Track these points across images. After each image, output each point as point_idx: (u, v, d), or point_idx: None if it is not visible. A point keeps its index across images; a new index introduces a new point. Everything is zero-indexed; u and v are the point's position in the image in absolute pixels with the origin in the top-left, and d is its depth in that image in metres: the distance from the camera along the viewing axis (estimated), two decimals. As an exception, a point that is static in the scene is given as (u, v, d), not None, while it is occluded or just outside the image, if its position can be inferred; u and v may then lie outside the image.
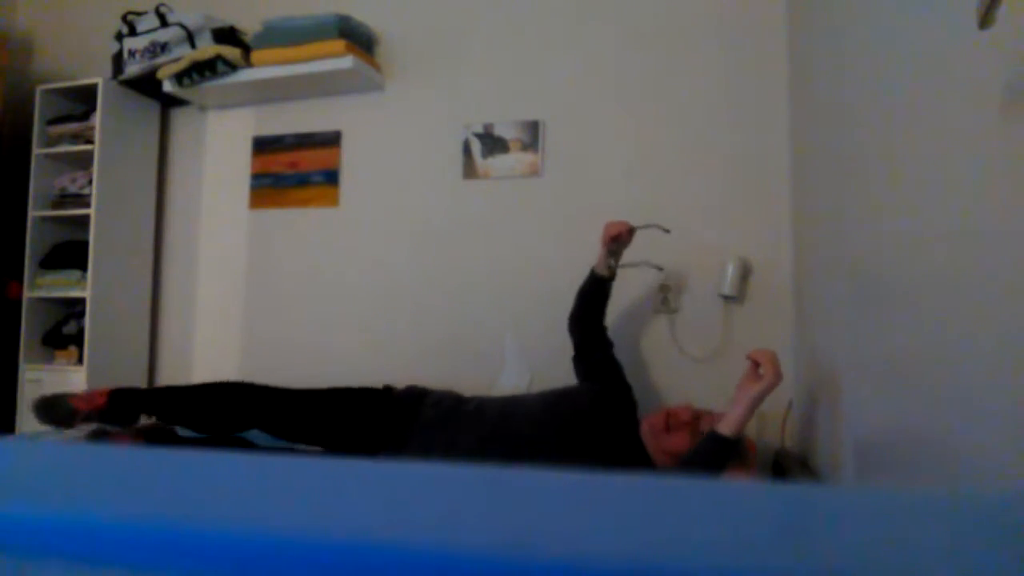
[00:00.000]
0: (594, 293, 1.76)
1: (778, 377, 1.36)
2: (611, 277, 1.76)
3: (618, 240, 1.69)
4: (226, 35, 2.41)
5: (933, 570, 0.21)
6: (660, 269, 1.96)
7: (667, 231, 1.81)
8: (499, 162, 2.22)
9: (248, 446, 1.78)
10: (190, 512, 0.26)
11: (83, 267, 2.42)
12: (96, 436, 1.76)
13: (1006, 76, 0.61)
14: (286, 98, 2.49)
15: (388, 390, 1.79)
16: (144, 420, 1.80)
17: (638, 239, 1.75)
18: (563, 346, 1.85)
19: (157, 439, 1.80)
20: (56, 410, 1.67)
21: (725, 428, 1.38)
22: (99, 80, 2.44)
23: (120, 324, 2.50)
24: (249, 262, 2.53)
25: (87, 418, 1.67)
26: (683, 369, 1.99)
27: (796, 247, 1.85)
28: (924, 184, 0.83)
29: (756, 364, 1.40)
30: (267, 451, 1.72)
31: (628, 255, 1.78)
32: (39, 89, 2.55)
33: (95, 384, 2.34)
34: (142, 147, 2.60)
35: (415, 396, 1.75)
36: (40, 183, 2.52)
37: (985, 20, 0.53)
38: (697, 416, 1.56)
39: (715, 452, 1.39)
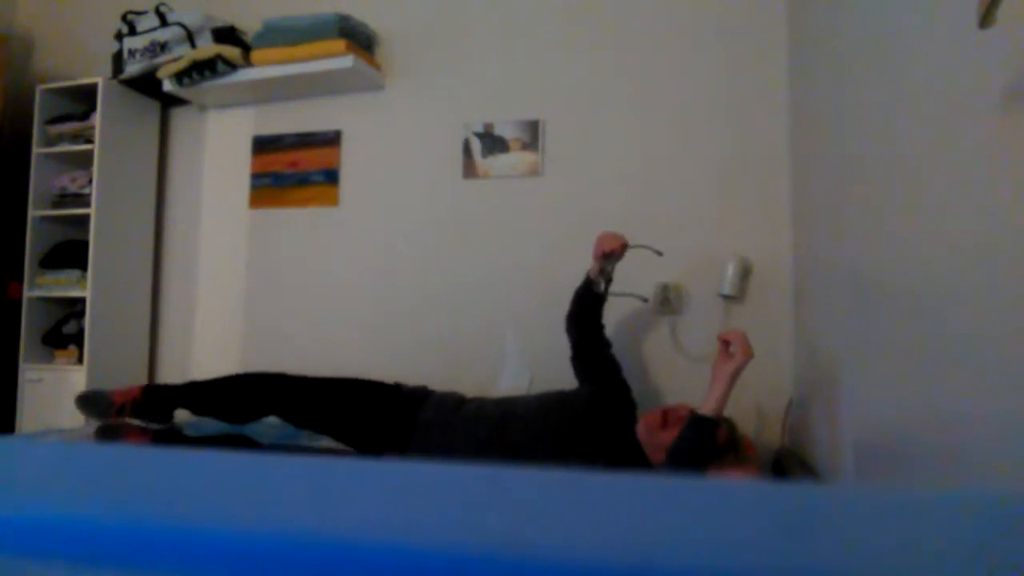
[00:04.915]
0: (589, 297, 1.76)
1: (748, 353, 1.45)
2: (606, 286, 1.75)
3: (610, 256, 1.69)
4: (226, 34, 2.41)
5: (933, 570, 0.21)
6: (645, 300, 1.97)
7: (660, 254, 1.81)
8: (499, 161, 2.22)
9: (251, 445, 1.79)
10: (190, 512, 0.26)
11: (83, 267, 2.42)
12: (102, 434, 1.77)
13: (1006, 76, 0.61)
14: (286, 98, 2.49)
15: (398, 387, 1.81)
16: (178, 414, 1.88)
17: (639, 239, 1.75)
18: (563, 346, 1.84)
19: (162, 438, 1.80)
20: (96, 402, 1.78)
21: (704, 409, 1.46)
22: (99, 80, 2.44)
23: (120, 324, 2.50)
24: (249, 262, 2.53)
25: (121, 411, 1.76)
26: (683, 369, 1.99)
27: (796, 247, 1.85)
28: (924, 184, 0.83)
29: (727, 344, 1.47)
30: (269, 450, 1.73)
31: (620, 276, 1.77)
32: (39, 89, 2.55)
33: (95, 383, 2.35)
34: (142, 147, 2.60)
35: (419, 397, 1.76)
36: (40, 183, 2.52)
37: (985, 20, 0.53)
38: (693, 413, 1.57)
39: (698, 433, 1.45)
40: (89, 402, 1.78)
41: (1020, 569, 0.20)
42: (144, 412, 1.80)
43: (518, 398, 1.77)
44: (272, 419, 1.83)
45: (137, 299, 2.58)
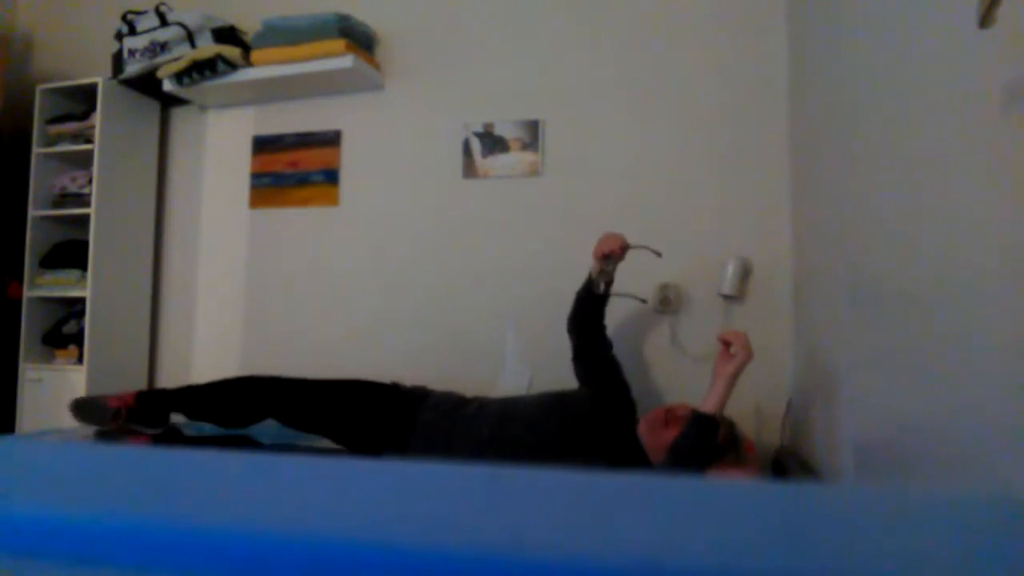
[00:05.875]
0: (590, 299, 1.76)
1: (749, 354, 1.47)
2: (607, 287, 1.75)
3: (610, 257, 1.69)
4: (226, 34, 2.41)
5: (932, 570, 0.21)
6: (644, 302, 1.96)
7: (659, 255, 1.80)
8: (499, 161, 2.22)
9: (251, 445, 1.79)
10: (190, 512, 0.27)
11: (83, 266, 2.42)
12: (101, 435, 1.77)
13: (1006, 76, 0.61)
14: (286, 97, 2.49)
15: (395, 386, 1.81)
16: (174, 418, 1.88)
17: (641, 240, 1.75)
18: (563, 345, 1.85)
19: (161, 439, 1.81)
20: (91, 409, 1.76)
21: (705, 407, 1.48)
22: (99, 79, 2.44)
23: (120, 324, 2.50)
24: (249, 261, 2.53)
25: (117, 416, 1.75)
26: (683, 369, 1.99)
27: (796, 247, 1.85)
28: (924, 184, 0.83)
29: (727, 344, 1.49)
30: (269, 450, 1.73)
31: (620, 277, 1.76)
32: (39, 89, 2.55)
33: (95, 383, 2.35)
34: (142, 147, 2.60)
35: (417, 397, 1.76)
36: (40, 183, 2.52)
37: (985, 20, 0.53)
38: (695, 412, 1.57)
39: (698, 431, 1.46)
40: (84, 408, 1.77)
41: (1019, 570, 0.20)
42: (140, 418, 1.79)
43: (519, 398, 1.76)
44: (270, 421, 1.82)
45: (137, 299, 2.58)
